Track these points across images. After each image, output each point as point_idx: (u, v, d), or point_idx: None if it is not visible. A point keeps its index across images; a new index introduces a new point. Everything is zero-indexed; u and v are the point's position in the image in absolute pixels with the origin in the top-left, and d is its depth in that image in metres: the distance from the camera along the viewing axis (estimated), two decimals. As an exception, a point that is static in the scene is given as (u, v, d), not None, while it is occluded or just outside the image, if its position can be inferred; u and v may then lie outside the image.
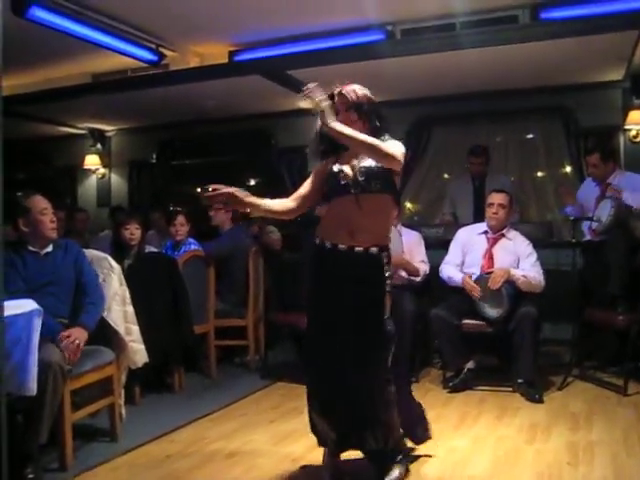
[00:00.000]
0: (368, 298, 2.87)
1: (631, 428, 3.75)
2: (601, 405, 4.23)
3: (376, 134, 2.87)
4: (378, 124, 2.93)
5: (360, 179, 2.85)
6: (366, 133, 2.85)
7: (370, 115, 2.92)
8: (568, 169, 6.67)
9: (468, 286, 4.62)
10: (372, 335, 2.87)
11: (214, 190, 2.83)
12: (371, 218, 2.87)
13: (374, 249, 2.87)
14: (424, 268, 5.03)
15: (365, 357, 2.85)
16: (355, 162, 2.90)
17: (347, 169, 2.90)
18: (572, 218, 4.97)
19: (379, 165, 2.85)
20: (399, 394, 2.99)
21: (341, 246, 2.87)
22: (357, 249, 2.86)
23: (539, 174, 6.89)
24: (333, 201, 2.94)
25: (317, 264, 2.96)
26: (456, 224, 5.84)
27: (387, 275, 2.90)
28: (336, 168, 2.93)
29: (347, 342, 2.85)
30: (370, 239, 2.87)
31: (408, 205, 7.25)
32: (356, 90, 2.93)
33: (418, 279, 5.02)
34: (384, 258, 2.89)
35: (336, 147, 2.97)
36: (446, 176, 7.27)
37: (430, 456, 3.32)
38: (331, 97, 2.90)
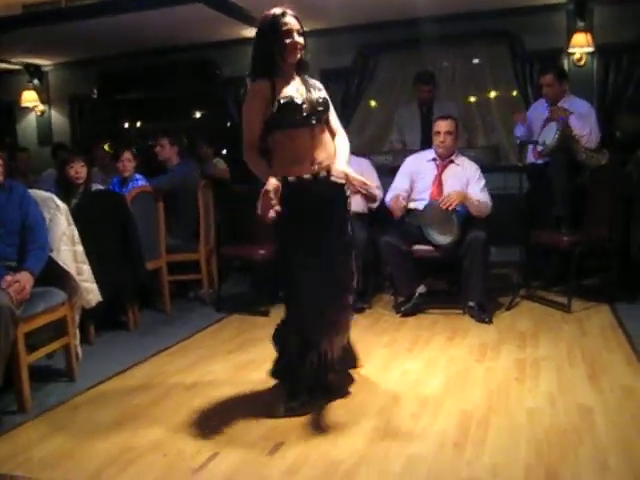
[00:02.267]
0: (339, 217, 3.03)
1: (574, 342, 3.93)
2: (547, 323, 4.40)
3: (303, 67, 3.02)
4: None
5: (319, 109, 2.95)
6: (297, 62, 2.98)
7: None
8: (514, 92, 6.70)
9: (394, 205, 4.67)
10: (346, 247, 3.07)
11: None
12: (326, 146, 2.99)
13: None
14: (379, 194, 5.07)
15: (342, 272, 3.03)
16: (303, 90, 2.94)
17: (301, 99, 2.92)
18: (519, 142, 5.02)
19: (325, 95, 3.01)
20: None
21: (306, 176, 2.94)
22: (322, 175, 2.96)
23: (486, 98, 6.92)
24: (288, 132, 2.93)
25: (284, 200, 2.90)
26: (405, 151, 5.86)
27: (348, 194, 3.07)
28: (288, 98, 2.90)
29: (330, 260, 2.98)
30: (328, 164, 2.98)
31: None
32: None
33: (375, 205, 5.07)
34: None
35: (274, 68, 2.96)
36: (372, 103, 7.24)
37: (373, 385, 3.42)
38: (282, 14, 2.91)
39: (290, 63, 2.95)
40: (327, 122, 3.04)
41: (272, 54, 2.92)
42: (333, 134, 3.08)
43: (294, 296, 3.08)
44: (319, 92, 3.01)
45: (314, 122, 2.94)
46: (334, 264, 2.99)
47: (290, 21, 2.90)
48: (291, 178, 2.92)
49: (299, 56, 2.96)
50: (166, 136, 5.65)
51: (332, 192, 3.00)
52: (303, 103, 2.92)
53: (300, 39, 2.92)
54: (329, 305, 3.02)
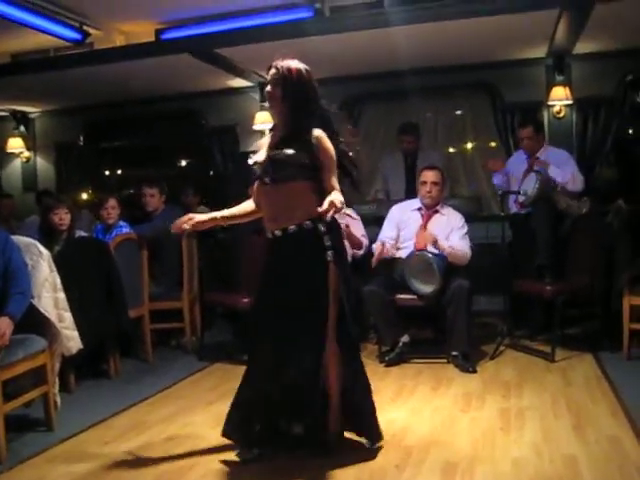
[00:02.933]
0: (311, 274, 2.94)
1: (559, 392, 3.92)
2: (531, 372, 4.39)
3: (295, 115, 2.94)
4: (294, 101, 2.93)
5: (269, 169, 2.92)
6: (285, 112, 2.96)
7: (292, 95, 2.93)
8: (495, 143, 6.81)
9: (377, 250, 4.63)
10: (319, 310, 2.93)
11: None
12: (289, 204, 2.93)
13: (308, 222, 2.92)
14: (365, 242, 5.12)
15: (313, 334, 2.92)
16: (269, 152, 2.96)
17: (260, 158, 2.98)
18: (500, 192, 5.09)
19: (291, 153, 2.88)
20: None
21: (277, 232, 2.97)
22: (291, 228, 2.92)
23: (468, 149, 7.03)
24: (257, 190, 3.04)
25: (266, 251, 3.07)
26: (389, 201, 5.90)
27: (328, 244, 2.94)
28: (251, 160, 3.00)
29: (296, 319, 2.93)
30: (298, 217, 2.92)
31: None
32: (290, 66, 2.94)
33: (361, 252, 5.09)
34: (321, 227, 2.93)
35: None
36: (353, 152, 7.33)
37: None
38: (268, 68, 2.99)
39: (273, 114, 3.05)
40: (297, 179, 2.90)
41: None
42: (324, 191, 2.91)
43: (251, 343, 3.16)
44: (288, 150, 2.88)
45: (267, 181, 2.93)
46: (298, 324, 2.94)
47: (271, 73, 2.97)
48: (268, 232, 3.02)
49: (273, 105, 2.99)
50: (156, 186, 5.67)
51: (304, 246, 2.95)
52: (255, 163, 2.98)
53: (276, 89, 2.94)
54: (284, 357, 2.97)
